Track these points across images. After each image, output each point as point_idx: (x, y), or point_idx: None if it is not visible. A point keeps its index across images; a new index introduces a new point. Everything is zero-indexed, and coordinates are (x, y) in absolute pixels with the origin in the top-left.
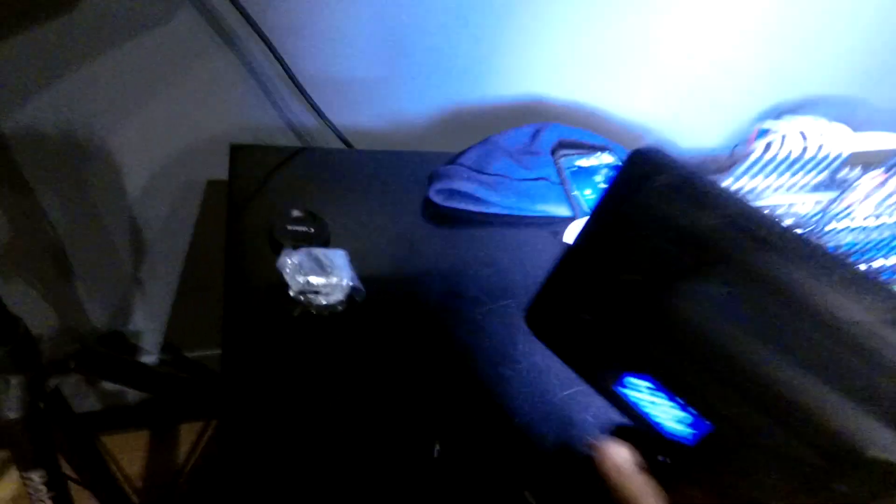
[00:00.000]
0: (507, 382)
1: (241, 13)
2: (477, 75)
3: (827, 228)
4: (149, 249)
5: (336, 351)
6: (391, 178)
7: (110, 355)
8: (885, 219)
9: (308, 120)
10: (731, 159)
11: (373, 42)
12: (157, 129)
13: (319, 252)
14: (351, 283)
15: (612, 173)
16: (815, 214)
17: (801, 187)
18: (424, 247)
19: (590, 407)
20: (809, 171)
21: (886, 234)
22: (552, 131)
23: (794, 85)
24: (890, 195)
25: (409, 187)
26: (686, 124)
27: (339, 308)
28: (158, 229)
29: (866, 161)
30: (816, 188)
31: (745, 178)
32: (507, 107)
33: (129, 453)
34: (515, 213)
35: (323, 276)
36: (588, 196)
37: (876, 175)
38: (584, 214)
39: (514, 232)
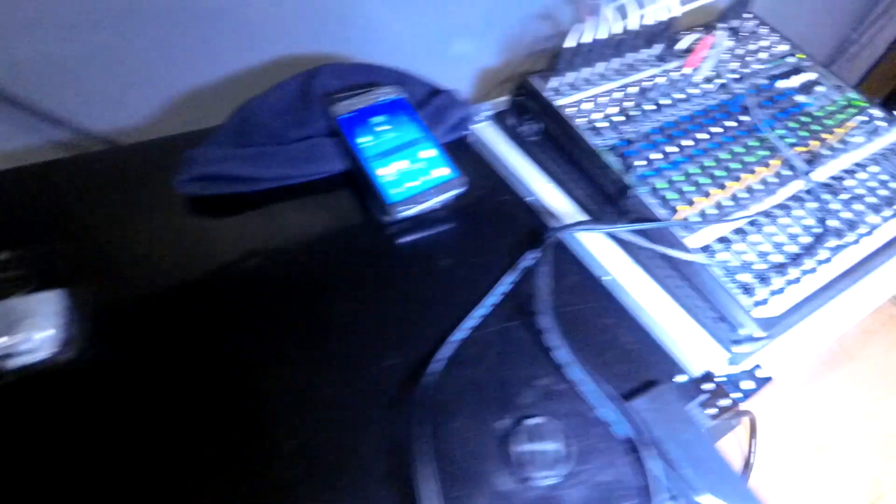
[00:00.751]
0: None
1: None
2: (227, 31)
3: (663, 103)
4: None
5: (45, 420)
6: (145, 175)
7: None
8: (723, 79)
9: (52, 131)
10: (552, 53)
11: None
12: None
13: (14, 303)
14: (58, 334)
15: (395, 111)
16: (653, 89)
17: (638, 63)
18: (185, 253)
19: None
20: (638, 46)
21: (728, 95)
22: (326, 75)
23: None
24: (723, 53)
25: (166, 182)
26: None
27: (46, 367)
28: None
29: (695, 22)
30: (653, 62)
31: (572, 71)
32: (267, 65)
33: None
34: (290, 182)
35: (12, 333)
36: (366, 143)
37: (706, 36)
38: (364, 164)
39: (291, 206)
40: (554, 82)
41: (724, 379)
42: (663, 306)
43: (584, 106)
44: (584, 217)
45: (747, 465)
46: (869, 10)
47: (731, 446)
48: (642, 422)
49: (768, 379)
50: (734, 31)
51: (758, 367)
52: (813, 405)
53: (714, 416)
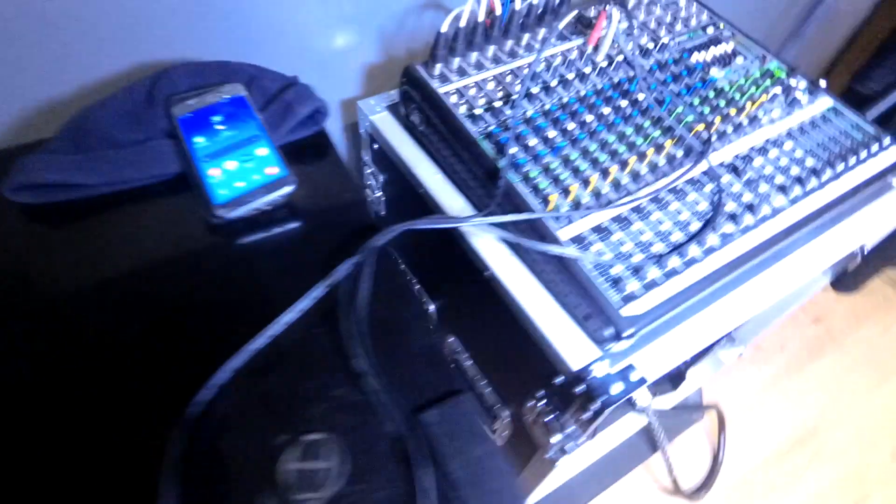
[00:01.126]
0: None
1: None
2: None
3: (552, 84)
4: None
5: None
6: None
7: None
8: (622, 56)
9: None
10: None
11: None
12: None
13: None
14: None
15: (234, 109)
16: (546, 70)
17: (536, 44)
18: (13, 264)
19: None
20: (529, 25)
21: (629, 73)
22: (176, 75)
23: None
24: (636, 27)
25: None
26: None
27: None
28: None
29: None
30: (553, 42)
31: (456, 56)
32: (130, 70)
33: None
34: (126, 186)
35: None
36: (200, 143)
37: (601, 11)
38: (196, 164)
39: (124, 212)
40: (437, 69)
41: (596, 380)
42: (540, 302)
43: (470, 92)
44: (470, 209)
45: (716, 461)
46: None
47: (700, 441)
48: (433, 436)
49: (642, 381)
50: (645, 4)
51: (631, 367)
52: (793, 395)
53: (589, 421)
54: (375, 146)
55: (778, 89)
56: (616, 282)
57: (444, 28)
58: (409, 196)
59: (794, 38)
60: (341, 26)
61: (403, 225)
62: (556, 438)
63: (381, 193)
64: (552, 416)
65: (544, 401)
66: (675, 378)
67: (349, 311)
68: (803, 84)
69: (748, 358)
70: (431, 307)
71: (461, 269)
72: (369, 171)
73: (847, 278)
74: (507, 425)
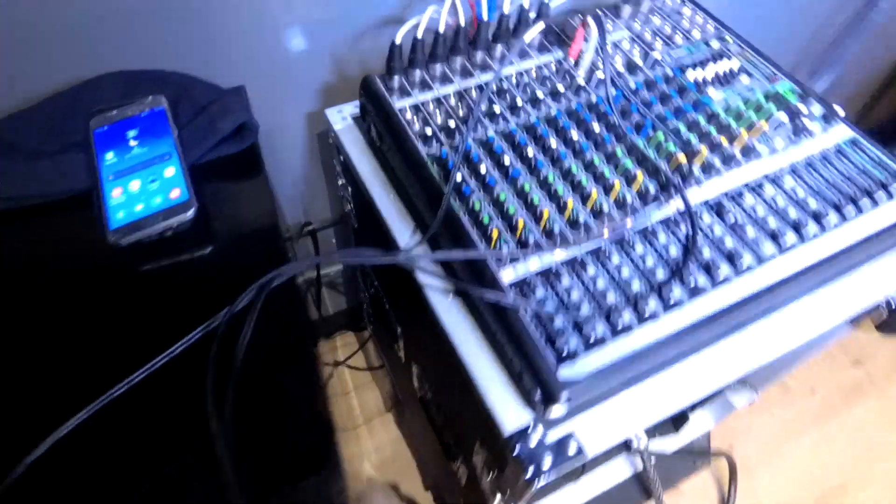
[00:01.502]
0: None
1: None
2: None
3: (518, 104)
4: None
5: None
6: None
7: None
8: (602, 73)
9: None
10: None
11: None
12: None
13: None
14: None
15: (151, 123)
16: (517, 87)
17: (511, 57)
18: None
19: None
20: (501, 36)
21: (612, 91)
22: (104, 85)
23: None
24: (630, 38)
25: None
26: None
27: None
28: None
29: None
30: (531, 55)
31: (417, 68)
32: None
33: None
34: (34, 202)
35: None
36: (110, 160)
37: (581, 25)
38: (100, 183)
39: (24, 231)
40: (395, 81)
41: (527, 449)
42: (479, 351)
43: (430, 107)
44: (419, 236)
45: None
46: None
47: (707, 490)
48: None
49: (579, 453)
50: (643, 13)
51: (569, 438)
52: (820, 446)
53: (522, 489)
54: (342, 157)
55: (783, 115)
56: (556, 337)
57: (398, 39)
58: (372, 212)
59: (835, 54)
60: (310, 30)
61: (302, 263)
62: (497, 500)
63: (351, 206)
64: (492, 474)
65: (485, 456)
66: (677, 419)
67: (222, 360)
68: (818, 110)
69: (772, 399)
70: (399, 329)
71: (411, 297)
72: (341, 182)
73: (892, 319)
74: (463, 468)
